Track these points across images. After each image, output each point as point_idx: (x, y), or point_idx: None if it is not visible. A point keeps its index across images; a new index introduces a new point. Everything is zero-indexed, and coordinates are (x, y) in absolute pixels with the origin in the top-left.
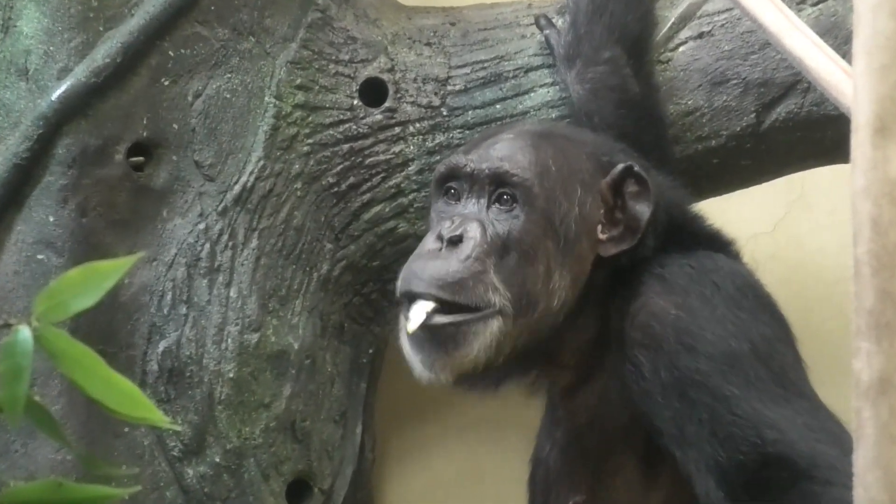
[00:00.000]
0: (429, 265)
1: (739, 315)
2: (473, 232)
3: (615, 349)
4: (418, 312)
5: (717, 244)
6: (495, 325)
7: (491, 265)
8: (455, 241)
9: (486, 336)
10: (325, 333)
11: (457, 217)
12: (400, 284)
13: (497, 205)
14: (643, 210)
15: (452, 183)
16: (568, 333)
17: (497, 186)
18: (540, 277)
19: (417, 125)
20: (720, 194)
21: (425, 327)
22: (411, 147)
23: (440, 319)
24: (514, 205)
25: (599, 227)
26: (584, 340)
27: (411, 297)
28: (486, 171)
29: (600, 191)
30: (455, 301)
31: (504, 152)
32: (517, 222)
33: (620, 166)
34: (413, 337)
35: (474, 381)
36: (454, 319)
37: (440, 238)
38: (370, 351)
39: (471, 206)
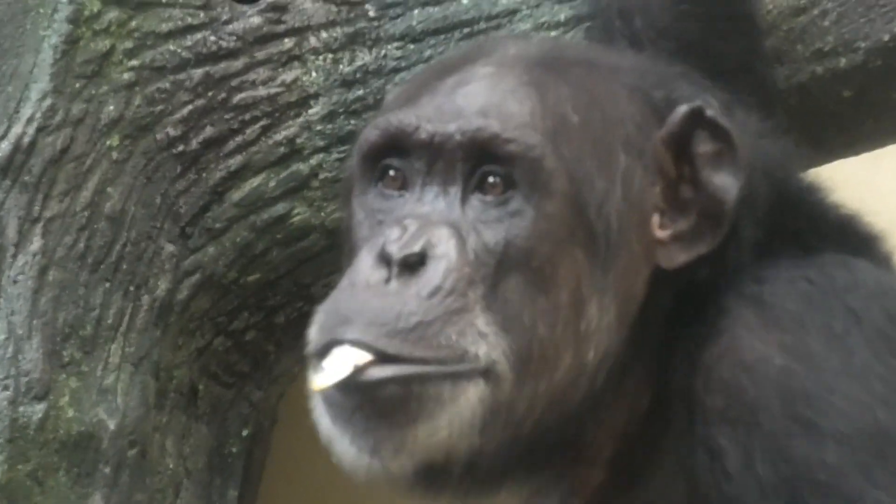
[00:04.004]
0: (368, 305)
1: (894, 365)
2: (444, 246)
3: (678, 426)
4: (339, 361)
5: (854, 241)
6: (476, 390)
7: (476, 301)
8: (412, 264)
9: (460, 406)
10: (163, 403)
11: (410, 220)
12: (316, 333)
13: (480, 195)
14: (727, 184)
15: (393, 160)
16: (606, 407)
17: (478, 162)
18: (564, 311)
19: (324, 35)
20: (855, 153)
21: (353, 387)
22: (314, 74)
23: (377, 373)
24: (512, 192)
25: (656, 218)
26: (629, 417)
27: (335, 347)
28: (457, 135)
29: (655, 153)
30: (410, 356)
31: (485, 99)
32: (520, 223)
33: (684, 108)
34: (333, 404)
35: (445, 483)
36: (402, 372)
37: (385, 258)
38: (244, 433)
39: (431, 198)
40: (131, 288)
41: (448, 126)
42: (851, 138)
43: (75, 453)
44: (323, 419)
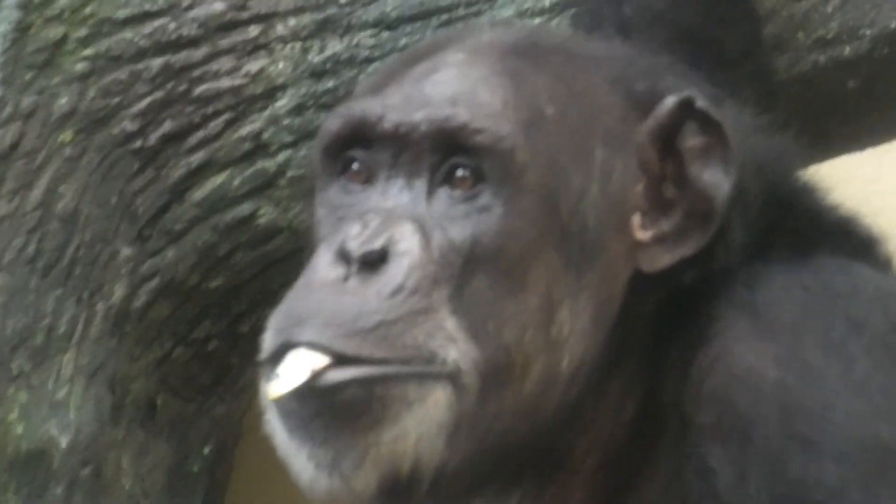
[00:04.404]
0: (324, 304)
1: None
2: (407, 242)
3: (668, 440)
4: (295, 366)
5: (853, 243)
6: (443, 394)
7: (442, 302)
8: (373, 261)
9: (428, 407)
10: (118, 418)
11: (372, 214)
12: (270, 336)
13: (448, 189)
14: (717, 180)
15: (357, 151)
16: (585, 416)
17: (446, 154)
18: (534, 316)
19: (292, 22)
20: (860, 148)
21: (310, 393)
22: (281, 63)
23: (335, 376)
24: (481, 186)
25: (638, 218)
26: (612, 428)
27: (290, 349)
28: (423, 125)
29: (638, 147)
30: (371, 356)
31: (455, 87)
32: (489, 220)
33: (671, 100)
34: (289, 414)
35: (410, 499)
36: (363, 373)
37: (344, 255)
38: (206, 450)
39: (396, 191)
40: (85, 294)
41: (414, 115)
42: (856, 131)
43: (25, 472)
44: (279, 432)
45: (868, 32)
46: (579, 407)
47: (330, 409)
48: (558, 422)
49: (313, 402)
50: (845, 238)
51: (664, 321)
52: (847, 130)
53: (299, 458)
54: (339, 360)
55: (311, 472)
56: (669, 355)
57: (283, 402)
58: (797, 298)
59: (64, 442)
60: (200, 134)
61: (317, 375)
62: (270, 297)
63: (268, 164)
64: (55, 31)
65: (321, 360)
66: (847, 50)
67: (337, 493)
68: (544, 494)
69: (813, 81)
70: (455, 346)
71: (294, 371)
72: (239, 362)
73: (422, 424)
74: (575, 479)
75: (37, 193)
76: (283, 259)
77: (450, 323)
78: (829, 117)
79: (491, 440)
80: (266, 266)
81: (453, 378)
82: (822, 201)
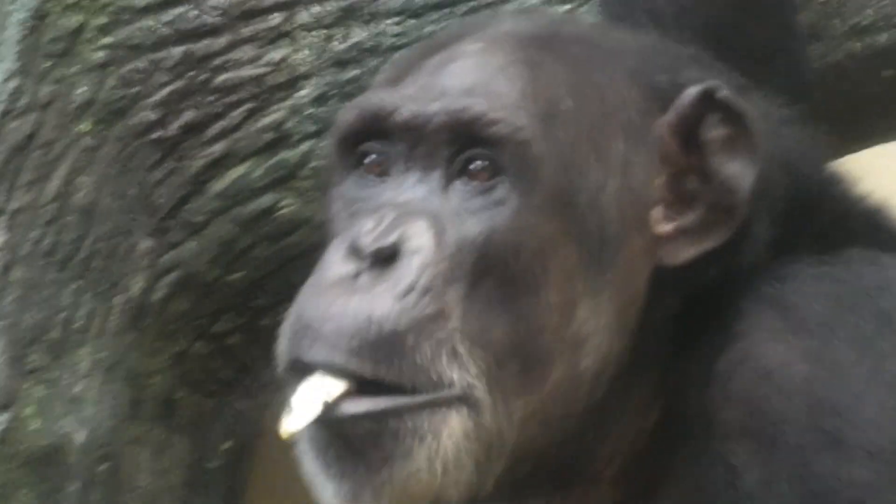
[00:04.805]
0: (335, 307)
1: None
2: (420, 237)
3: (693, 440)
4: (309, 397)
5: (883, 236)
6: (458, 420)
7: (455, 302)
8: (386, 257)
9: (443, 440)
10: (137, 414)
11: (386, 208)
12: (284, 346)
13: (464, 181)
14: (741, 173)
15: (373, 143)
16: (609, 421)
17: (462, 145)
18: (552, 314)
19: (316, 9)
20: (888, 141)
21: (324, 423)
22: (304, 52)
23: (350, 409)
24: (498, 179)
25: (660, 211)
26: (636, 433)
27: (303, 370)
28: (439, 116)
29: (659, 140)
30: (380, 378)
31: (471, 78)
32: (504, 214)
33: (693, 90)
34: (310, 441)
35: None
36: (376, 407)
37: (356, 251)
38: (226, 446)
39: (411, 184)
40: (103, 288)
41: (430, 106)
42: (893, 122)
43: (41, 468)
44: (302, 451)
45: None
46: (605, 410)
47: (344, 441)
48: (585, 426)
49: (327, 431)
50: (874, 230)
51: (689, 321)
52: (883, 120)
53: (318, 481)
54: (350, 379)
55: (333, 495)
56: (694, 356)
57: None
58: (827, 293)
59: (81, 438)
60: (221, 124)
61: (330, 407)
62: (292, 290)
63: (290, 155)
64: (73, 20)
65: (334, 387)
66: (884, 38)
67: None
68: (567, 501)
69: (848, 71)
70: (458, 363)
71: (307, 403)
72: (260, 357)
73: (437, 457)
74: (597, 485)
75: (54, 185)
76: (306, 252)
77: (459, 334)
78: (864, 108)
79: (522, 452)
80: (288, 259)
81: (465, 398)
82: (851, 193)
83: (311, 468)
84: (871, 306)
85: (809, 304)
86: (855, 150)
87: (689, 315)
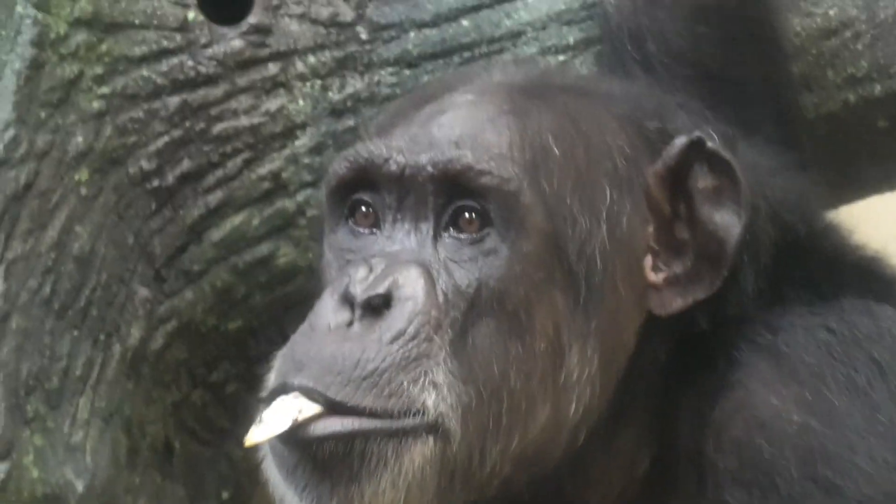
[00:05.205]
0: (326, 351)
1: None
2: (413, 286)
3: (686, 488)
4: (281, 413)
5: (876, 285)
6: (423, 448)
7: (443, 346)
8: (377, 306)
9: (405, 465)
10: (135, 462)
11: (377, 257)
12: (273, 378)
13: (454, 232)
14: (729, 222)
15: (364, 195)
16: (594, 466)
17: (451, 195)
18: (540, 360)
19: (311, 59)
20: (892, 188)
21: (295, 442)
22: (301, 102)
23: (318, 429)
24: (487, 230)
25: (649, 260)
26: (626, 476)
27: (283, 391)
28: (429, 167)
29: (647, 189)
30: (357, 405)
31: (461, 128)
32: (494, 263)
33: (683, 139)
34: (278, 457)
35: None
36: (343, 428)
37: (348, 300)
38: (224, 494)
39: (402, 235)
40: (101, 336)
41: (420, 157)
42: (888, 171)
43: None
44: (272, 472)
45: None
46: (588, 456)
47: (312, 460)
48: (563, 470)
49: (297, 450)
50: (868, 280)
51: (678, 369)
52: (878, 170)
53: (289, 499)
54: (326, 405)
55: None
56: (685, 404)
57: (273, 444)
58: (820, 341)
59: (80, 486)
60: (218, 173)
61: (300, 425)
62: (289, 338)
63: (287, 204)
64: (70, 69)
65: (308, 408)
66: (878, 88)
67: None
68: None
69: (842, 120)
70: (437, 392)
71: (278, 418)
72: (256, 406)
73: (403, 479)
74: None
75: (52, 234)
76: (303, 301)
77: (441, 370)
78: (860, 157)
79: (491, 488)
80: (285, 308)
81: (435, 428)
82: (845, 242)
83: (280, 487)
84: (864, 356)
85: (803, 355)
86: (850, 200)
87: (679, 363)
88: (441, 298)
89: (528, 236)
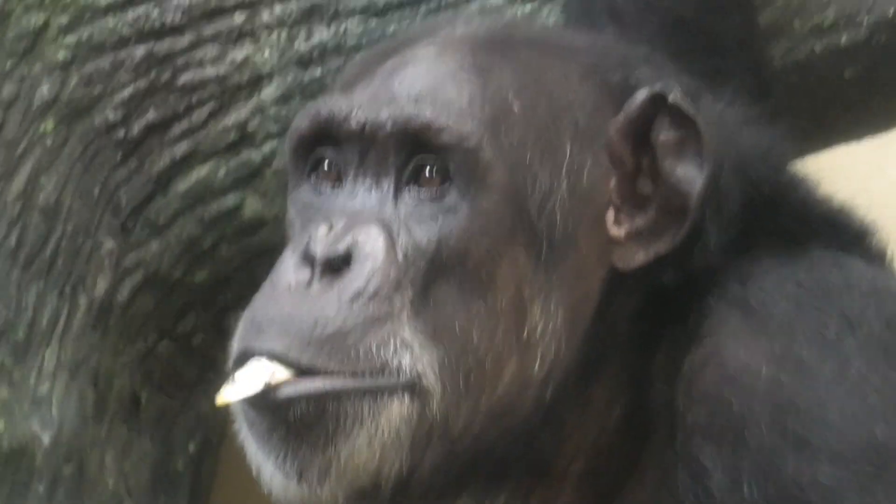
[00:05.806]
0: (286, 310)
1: (892, 375)
2: (372, 244)
3: (657, 443)
4: (252, 375)
5: (845, 237)
6: (400, 407)
7: (404, 306)
8: (337, 265)
9: (382, 424)
10: (102, 414)
11: (338, 215)
12: (235, 343)
13: (415, 187)
14: (691, 176)
15: (326, 149)
16: (567, 420)
17: (412, 152)
18: (504, 317)
19: (278, 9)
20: (861, 136)
21: (266, 406)
22: (267, 52)
23: (288, 391)
24: (448, 185)
25: (611, 214)
26: (598, 432)
27: (251, 356)
28: (389, 123)
29: (609, 143)
30: (325, 367)
31: (421, 84)
32: (455, 220)
33: (644, 92)
34: (252, 424)
35: (381, 502)
36: (314, 388)
37: (308, 258)
38: (192, 447)
39: (364, 192)
40: (67, 287)
41: (380, 113)
42: (857, 120)
43: (6, 469)
44: (247, 439)
45: (865, 19)
46: (558, 410)
47: (285, 424)
48: (535, 425)
49: (268, 414)
50: (837, 231)
51: (649, 323)
52: (846, 120)
53: (268, 467)
54: (295, 370)
55: (280, 480)
56: (656, 357)
57: (245, 411)
58: (790, 294)
59: (46, 439)
60: (184, 124)
61: (271, 388)
62: (256, 290)
63: (253, 155)
64: (36, 18)
65: (279, 373)
66: (844, 38)
67: (307, 500)
68: (530, 498)
69: (810, 69)
70: (410, 354)
71: (250, 380)
72: (224, 357)
73: (378, 440)
74: (561, 483)
75: (17, 184)
76: (269, 251)
77: (407, 329)
78: (827, 106)
79: (464, 444)
80: (251, 258)
81: (411, 387)
82: (813, 194)
83: (257, 455)
84: (835, 308)
85: (773, 306)
86: (819, 149)
87: (648, 316)
88: (401, 257)
89: (488, 193)
